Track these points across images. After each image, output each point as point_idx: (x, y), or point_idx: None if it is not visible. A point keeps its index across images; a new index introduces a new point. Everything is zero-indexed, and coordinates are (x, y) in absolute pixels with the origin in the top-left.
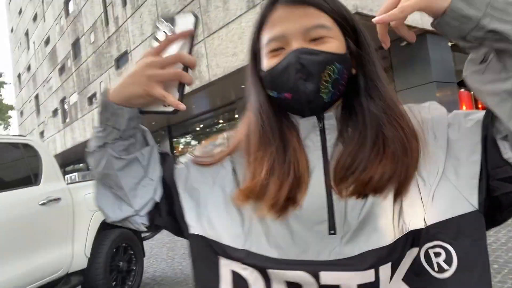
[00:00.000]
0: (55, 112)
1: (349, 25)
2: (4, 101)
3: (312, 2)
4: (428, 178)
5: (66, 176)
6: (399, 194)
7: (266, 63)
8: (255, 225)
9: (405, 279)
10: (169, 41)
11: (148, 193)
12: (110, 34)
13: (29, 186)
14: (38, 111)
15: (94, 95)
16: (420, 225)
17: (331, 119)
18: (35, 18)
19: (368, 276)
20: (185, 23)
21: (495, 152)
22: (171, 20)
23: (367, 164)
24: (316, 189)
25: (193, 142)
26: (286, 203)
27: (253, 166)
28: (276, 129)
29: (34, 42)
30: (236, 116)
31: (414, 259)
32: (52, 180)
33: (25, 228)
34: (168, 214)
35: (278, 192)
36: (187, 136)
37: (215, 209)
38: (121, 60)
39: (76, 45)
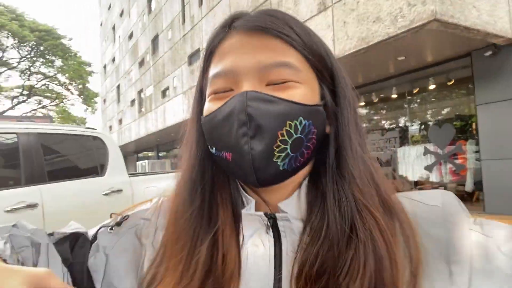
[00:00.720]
0: (132, 102)
1: (327, 68)
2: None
3: (277, 31)
4: None
5: (138, 163)
6: None
7: (207, 106)
8: None
9: None
10: None
11: None
12: (186, 32)
13: (95, 176)
14: (118, 100)
15: (167, 88)
16: None
17: (285, 220)
18: (121, 14)
19: None
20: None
21: None
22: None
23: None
24: None
25: None
26: None
27: (158, 261)
28: (205, 206)
29: (119, 36)
30: None
31: None
32: (116, 172)
33: (88, 215)
34: None
35: None
36: None
37: None
38: (193, 57)
39: (155, 41)
